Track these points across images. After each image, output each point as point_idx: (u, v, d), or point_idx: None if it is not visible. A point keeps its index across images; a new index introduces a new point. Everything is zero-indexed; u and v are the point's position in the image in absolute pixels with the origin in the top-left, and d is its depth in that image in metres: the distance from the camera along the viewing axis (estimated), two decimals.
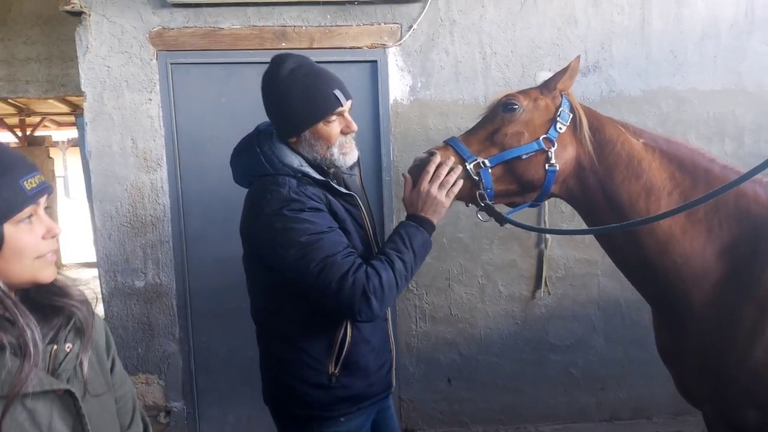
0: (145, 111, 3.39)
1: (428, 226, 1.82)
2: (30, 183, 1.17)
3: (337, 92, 1.76)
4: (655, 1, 3.50)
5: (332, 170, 1.85)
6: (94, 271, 8.57)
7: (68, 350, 1.22)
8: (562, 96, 1.99)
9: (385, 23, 3.42)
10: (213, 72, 3.43)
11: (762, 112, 3.60)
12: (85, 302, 1.29)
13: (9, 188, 1.14)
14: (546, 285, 3.64)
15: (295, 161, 1.79)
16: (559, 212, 3.57)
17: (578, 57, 2.06)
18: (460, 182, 1.87)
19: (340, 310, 1.69)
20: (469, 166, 1.89)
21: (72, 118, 9.67)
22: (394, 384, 2.04)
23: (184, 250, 3.51)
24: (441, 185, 1.82)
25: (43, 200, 1.20)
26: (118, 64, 3.35)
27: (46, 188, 1.20)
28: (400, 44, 3.44)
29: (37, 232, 1.19)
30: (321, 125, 1.77)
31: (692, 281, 1.88)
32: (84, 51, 3.33)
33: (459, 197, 1.94)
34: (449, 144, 1.95)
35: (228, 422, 3.66)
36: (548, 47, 3.50)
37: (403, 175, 1.94)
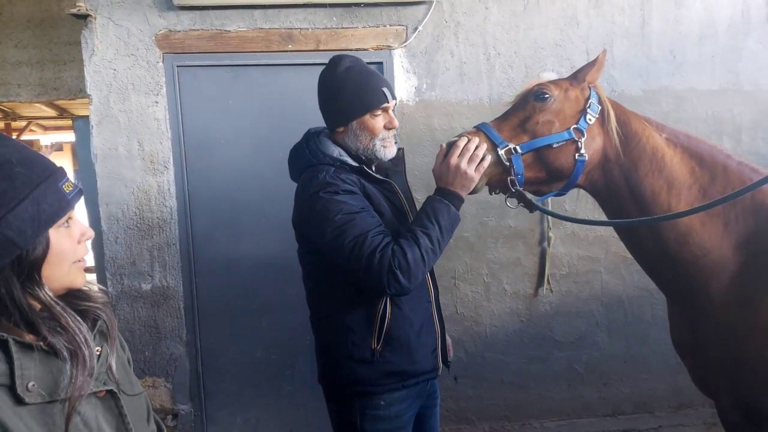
0: (151, 113, 3.39)
1: (456, 200, 1.89)
2: (67, 186, 1.16)
3: (385, 90, 1.94)
4: (654, 3, 3.57)
5: (374, 163, 1.98)
6: (89, 276, 8.53)
7: (98, 353, 1.21)
8: (590, 88, 2.03)
9: (390, 25, 3.46)
10: (219, 74, 3.43)
11: (759, 111, 3.68)
12: (107, 304, 1.29)
13: (53, 192, 1.12)
14: (548, 282, 3.69)
15: (335, 152, 1.95)
16: (563, 210, 3.61)
17: (604, 51, 2.09)
18: (489, 158, 1.90)
19: (371, 285, 1.79)
20: (501, 152, 1.93)
21: (59, 122, 9.54)
22: (441, 366, 2.10)
23: (191, 252, 3.50)
24: (470, 159, 1.88)
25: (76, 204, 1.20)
26: (124, 67, 3.35)
27: (80, 192, 1.20)
28: (406, 46, 3.48)
29: (75, 236, 1.18)
30: (368, 117, 1.92)
31: (711, 273, 1.93)
32: (90, 54, 3.32)
33: (489, 183, 1.99)
34: (480, 129, 1.98)
35: (236, 424, 3.65)
36: (551, 48, 3.56)
37: (441, 145, 1.98)
